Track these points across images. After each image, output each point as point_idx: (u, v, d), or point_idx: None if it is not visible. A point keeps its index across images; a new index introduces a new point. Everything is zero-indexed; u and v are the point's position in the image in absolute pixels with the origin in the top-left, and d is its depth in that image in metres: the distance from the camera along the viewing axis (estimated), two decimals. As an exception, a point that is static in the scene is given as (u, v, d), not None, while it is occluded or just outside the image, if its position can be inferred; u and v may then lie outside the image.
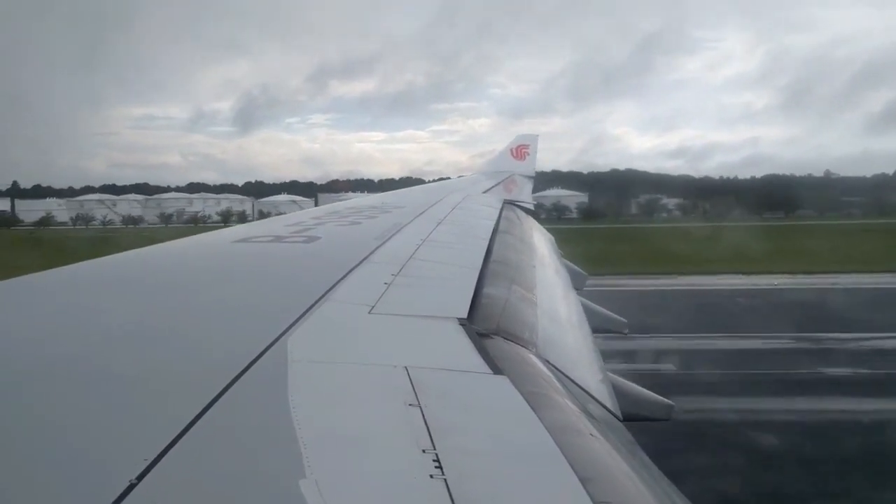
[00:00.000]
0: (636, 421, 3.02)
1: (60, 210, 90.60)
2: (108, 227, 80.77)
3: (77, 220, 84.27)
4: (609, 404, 2.78)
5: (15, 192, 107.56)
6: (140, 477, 1.30)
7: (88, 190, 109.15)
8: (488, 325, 2.80)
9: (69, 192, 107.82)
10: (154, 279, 3.38)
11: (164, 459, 1.38)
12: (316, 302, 2.64)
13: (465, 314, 2.77)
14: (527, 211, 10.83)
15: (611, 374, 3.29)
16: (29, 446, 1.47)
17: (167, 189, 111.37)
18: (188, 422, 1.53)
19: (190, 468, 1.39)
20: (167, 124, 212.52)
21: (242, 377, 1.83)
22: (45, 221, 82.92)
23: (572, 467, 1.54)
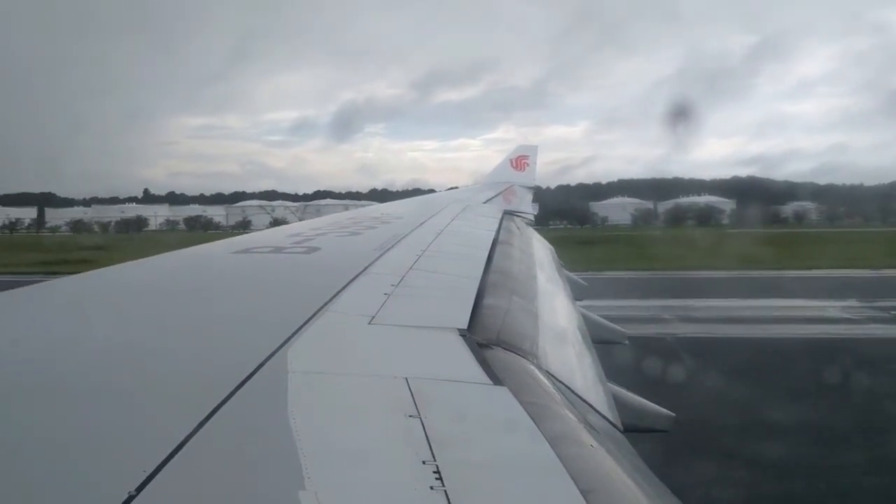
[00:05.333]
0: (637, 432, 3.01)
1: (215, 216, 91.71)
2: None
3: (273, 223, 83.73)
4: (610, 415, 2.77)
5: (149, 199, 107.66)
6: (139, 489, 1.30)
7: (219, 198, 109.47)
8: (488, 336, 2.80)
9: (200, 199, 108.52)
10: (154, 290, 3.38)
11: (163, 471, 1.37)
12: (316, 313, 2.64)
13: (465, 325, 2.76)
14: (527, 221, 10.84)
15: (611, 385, 3.29)
16: (27, 457, 1.47)
17: (293, 196, 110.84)
18: (187, 433, 1.53)
19: (189, 480, 1.38)
20: (224, 134, 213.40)
21: (242, 388, 1.82)
22: (244, 225, 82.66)
23: (573, 479, 1.53)
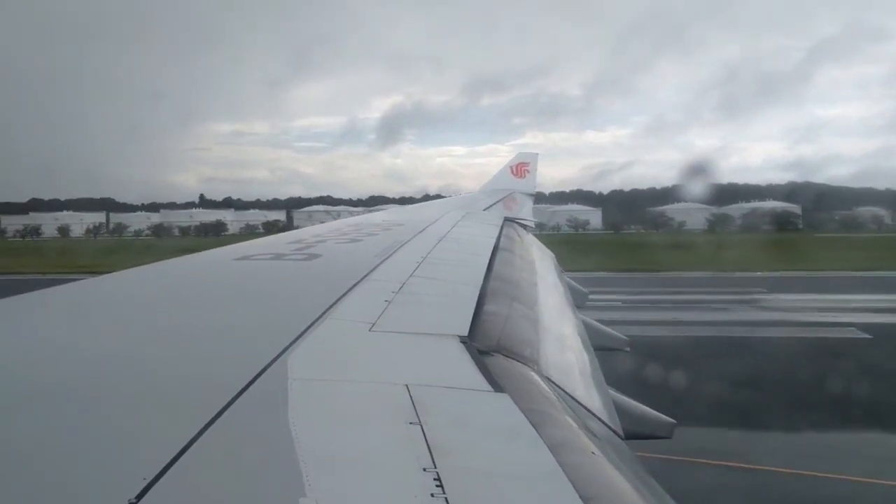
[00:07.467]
0: (638, 439, 3.01)
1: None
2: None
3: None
4: (611, 422, 2.77)
5: (205, 203, 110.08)
6: (139, 496, 1.30)
7: (276, 203, 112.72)
8: (489, 343, 2.80)
9: (256, 204, 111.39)
10: (154, 296, 3.38)
11: (163, 479, 1.37)
12: (316, 320, 2.64)
13: (465, 332, 2.76)
14: (526, 228, 10.85)
15: (612, 392, 3.28)
16: (27, 465, 1.47)
17: (348, 202, 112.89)
18: (188, 441, 1.52)
19: (189, 487, 1.38)
20: (254, 140, 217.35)
21: (243, 395, 1.82)
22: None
23: (574, 486, 1.53)
